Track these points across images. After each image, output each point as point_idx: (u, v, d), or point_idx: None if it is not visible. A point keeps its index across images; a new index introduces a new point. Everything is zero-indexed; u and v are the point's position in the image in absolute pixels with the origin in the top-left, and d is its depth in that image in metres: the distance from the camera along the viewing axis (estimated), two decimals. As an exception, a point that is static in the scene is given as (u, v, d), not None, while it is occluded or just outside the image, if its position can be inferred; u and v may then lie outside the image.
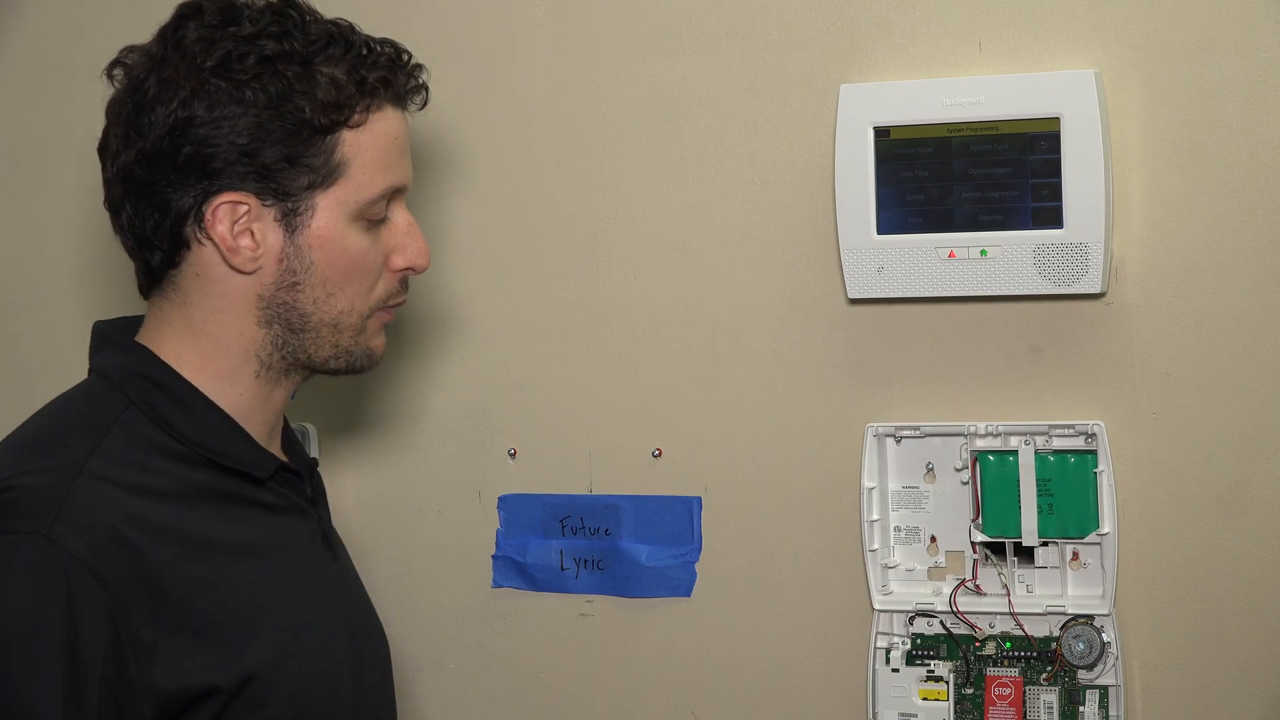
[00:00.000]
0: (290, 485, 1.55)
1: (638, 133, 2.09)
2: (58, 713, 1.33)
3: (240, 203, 1.45)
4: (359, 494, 2.22)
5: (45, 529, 1.35)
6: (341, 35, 1.48)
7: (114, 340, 1.52)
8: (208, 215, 1.45)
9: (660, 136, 2.08)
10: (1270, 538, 1.89)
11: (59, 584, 1.34)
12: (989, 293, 1.90)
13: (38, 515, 1.36)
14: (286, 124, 1.44)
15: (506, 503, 2.17)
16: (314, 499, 1.59)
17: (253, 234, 1.46)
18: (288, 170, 1.45)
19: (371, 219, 1.51)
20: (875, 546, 1.99)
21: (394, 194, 1.53)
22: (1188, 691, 1.93)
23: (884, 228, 1.92)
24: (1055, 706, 1.93)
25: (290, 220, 1.46)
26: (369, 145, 1.49)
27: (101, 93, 1.44)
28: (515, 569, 2.16)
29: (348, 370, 1.54)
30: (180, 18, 1.47)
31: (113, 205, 1.50)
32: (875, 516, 1.99)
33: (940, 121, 1.89)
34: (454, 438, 2.19)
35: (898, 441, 2.00)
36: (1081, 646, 1.92)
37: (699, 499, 2.09)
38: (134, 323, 1.54)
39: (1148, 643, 1.94)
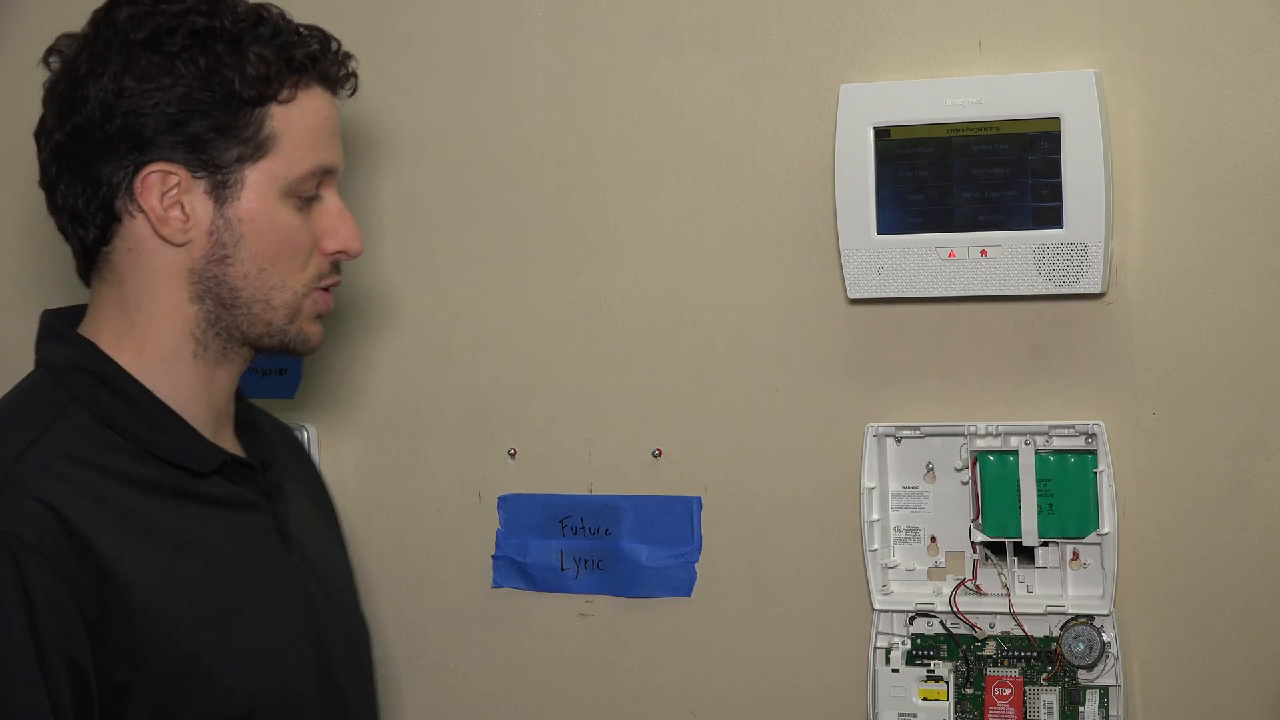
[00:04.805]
0: (242, 478, 1.55)
1: (638, 133, 2.09)
2: (36, 688, 1.35)
3: (170, 173, 1.47)
4: (359, 494, 2.21)
5: None
6: (270, 18, 1.51)
7: (59, 332, 1.53)
8: (138, 186, 1.47)
9: (660, 136, 2.08)
10: (1270, 538, 1.89)
11: (8, 564, 1.36)
12: (989, 293, 1.90)
13: None
14: (215, 95, 1.46)
15: (506, 503, 2.17)
16: (269, 492, 1.58)
17: (182, 206, 1.48)
18: (217, 142, 1.47)
19: (301, 196, 1.52)
20: (875, 546, 1.99)
21: (325, 176, 1.54)
22: (1188, 691, 1.93)
23: (884, 228, 1.92)
24: (1055, 706, 1.93)
25: (220, 193, 1.48)
26: (298, 121, 1.51)
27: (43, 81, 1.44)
28: (515, 569, 2.16)
29: (281, 349, 1.55)
30: (114, 2, 1.50)
31: (48, 184, 1.52)
32: (875, 516, 1.99)
33: (940, 121, 1.89)
34: (454, 438, 2.18)
35: (898, 441, 2.00)
36: (1081, 646, 1.92)
37: (699, 499, 2.09)
38: (80, 312, 1.55)
39: (1148, 643, 1.94)
